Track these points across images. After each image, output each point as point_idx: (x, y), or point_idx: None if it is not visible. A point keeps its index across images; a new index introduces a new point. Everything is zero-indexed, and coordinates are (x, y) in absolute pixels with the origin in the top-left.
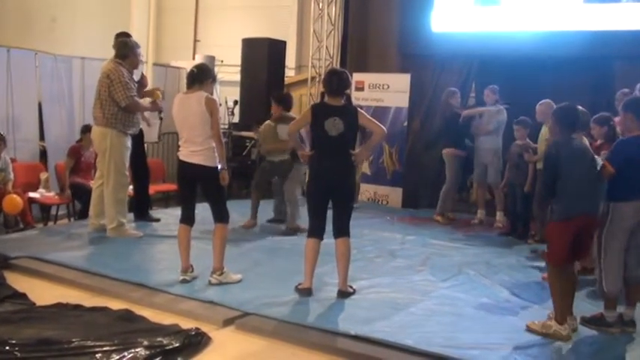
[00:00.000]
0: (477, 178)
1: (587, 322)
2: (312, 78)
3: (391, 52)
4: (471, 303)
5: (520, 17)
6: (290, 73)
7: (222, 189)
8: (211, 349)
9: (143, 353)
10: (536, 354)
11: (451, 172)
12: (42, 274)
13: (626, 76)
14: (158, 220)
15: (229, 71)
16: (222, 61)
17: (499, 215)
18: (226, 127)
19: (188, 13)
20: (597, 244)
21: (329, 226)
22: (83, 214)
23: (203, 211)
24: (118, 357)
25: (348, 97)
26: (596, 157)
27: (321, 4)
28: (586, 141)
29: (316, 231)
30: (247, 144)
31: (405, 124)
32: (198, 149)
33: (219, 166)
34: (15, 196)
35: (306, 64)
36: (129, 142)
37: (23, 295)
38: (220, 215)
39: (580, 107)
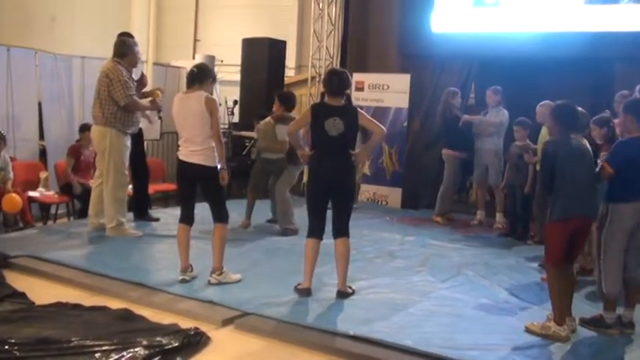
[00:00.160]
0: (478, 179)
1: (587, 323)
2: (312, 78)
3: (391, 52)
4: (470, 304)
5: (520, 18)
6: (290, 73)
7: (221, 189)
8: (210, 349)
9: (142, 353)
10: (535, 355)
11: (450, 172)
12: (41, 273)
13: (626, 78)
14: (157, 219)
15: (229, 71)
16: (222, 61)
17: (498, 216)
18: (226, 126)
19: (188, 12)
20: (597, 245)
21: (328, 227)
22: (83, 214)
23: (202, 210)
24: (117, 356)
25: (349, 98)
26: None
27: (321, 4)
28: (586, 142)
29: (316, 231)
30: (247, 144)
31: (405, 124)
32: (197, 149)
33: (219, 166)
34: (14, 195)
35: (306, 64)
36: (128, 142)
37: (22, 294)
38: (220, 215)
39: (580, 109)
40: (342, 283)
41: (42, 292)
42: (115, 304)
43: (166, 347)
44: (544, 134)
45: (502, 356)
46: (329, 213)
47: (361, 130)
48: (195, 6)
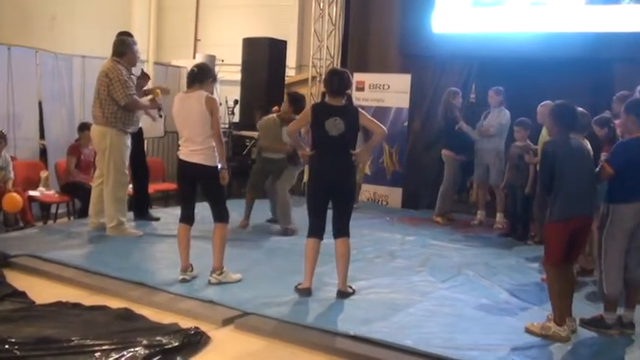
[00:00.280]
0: (478, 179)
1: (587, 323)
2: (313, 78)
3: (392, 52)
4: (471, 304)
5: (521, 18)
6: (290, 73)
7: (222, 188)
8: (210, 349)
9: (142, 352)
10: (535, 355)
11: (450, 172)
12: (41, 273)
13: (626, 78)
14: (158, 219)
15: (230, 70)
16: (222, 61)
17: (499, 216)
18: (226, 126)
19: (189, 12)
20: (597, 246)
21: (329, 226)
22: (83, 213)
23: (203, 210)
24: (117, 356)
25: (349, 98)
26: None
27: (321, 4)
28: (587, 142)
29: (316, 231)
30: (247, 143)
31: (406, 124)
32: (198, 148)
33: (219, 166)
34: (15, 194)
35: (307, 63)
36: (128, 141)
37: (23, 294)
38: (220, 215)
39: (580, 109)
40: (343, 283)
41: (42, 291)
42: (115, 304)
43: (166, 347)
44: (544, 135)
45: (502, 356)
46: (329, 213)
47: (363, 130)
48: (195, 5)
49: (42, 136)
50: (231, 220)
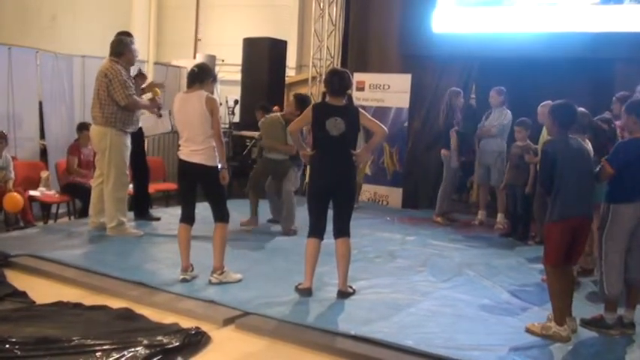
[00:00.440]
0: (480, 180)
1: (587, 323)
2: (313, 78)
3: (392, 52)
4: (471, 304)
5: (521, 18)
6: (291, 73)
7: (222, 188)
8: (211, 349)
9: (143, 352)
10: (535, 355)
11: (448, 173)
12: (42, 273)
13: (627, 78)
14: (158, 219)
15: (230, 70)
16: (223, 61)
17: (500, 216)
18: (227, 126)
19: (189, 11)
20: (598, 246)
21: (329, 226)
22: (83, 213)
23: (203, 210)
24: (117, 356)
25: (350, 98)
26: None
27: (322, 4)
28: (588, 142)
29: (316, 231)
30: (248, 143)
31: (406, 124)
32: (198, 148)
33: (220, 166)
34: (16, 194)
35: (307, 63)
36: (128, 141)
37: (23, 294)
38: (220, 215)
39: (581, 109)
40: (343, 282)
41: (43, 291)
42: (115, 304)
43: (167, 347)
44: (545, 134)
45: (503, 356)
46: (330, 213)
47: (364, 129)
48: (196, 5)
49: (42, 136)
50: (232, 220)
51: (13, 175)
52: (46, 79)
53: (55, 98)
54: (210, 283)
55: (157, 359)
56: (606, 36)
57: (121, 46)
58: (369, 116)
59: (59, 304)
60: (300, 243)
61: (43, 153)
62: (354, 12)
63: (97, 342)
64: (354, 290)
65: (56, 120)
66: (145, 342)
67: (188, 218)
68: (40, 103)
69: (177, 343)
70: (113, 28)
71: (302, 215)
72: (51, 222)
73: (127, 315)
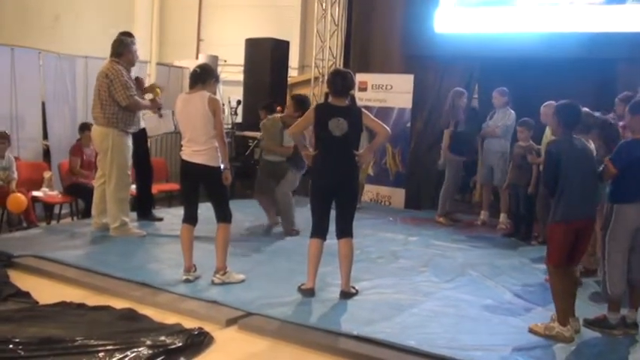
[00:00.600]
0: (483, 180)
1: (590, 324)
2: (316, 78)
3: (394, 52)
4: (474, 304)
5: (524, 18)
6: (293, 73)
7: (225, 189)
8: (214, 349)
9: (146, 352)
10: (539, 355)
11: (450, 173)
12: (45, 273)
13: (629, 78)
14: (161, 219)
15: (232, 71)
16: (225, 61)
17: (502, 217)
18: (229, 127)
19: (191, 12)
20: (601, 246)
21: (332, 227)
22: (86, 213)
23: (206, 210)
24: (120, 356)
25: (353, 98)
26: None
27: (324, 4)
28: (591, 143)
29: (319, 231)
30: (250, 144)
31: (409, 124)
32: (201, 149)
33: (222, 166)
34: (19, 195)
35: (310, 64)
36: (130, 141)
37: (26, 294)
38: (223, 215)
39: (585, 109)
40: (346, 283)
41: (46, 291)
42: (118, 304)
43: (170, 347)
44: (548, 135)
45: (506, 357)
46: (333, 213)
47: (368, 130)
48: (198, 6)
49: (45, 136)
50: (235, 221)
51: (16, 175)
52: (48, 79)
53: (58, 99)
54: (213, 283)
55: (160, 359)
56: (608, 36)
57: (122, 47)
58: (372, 116)
59: (62, 305)
60: (302, 243)
61: (46, 153)
62: (357, 12)
63: (100, 342)
64: (357, 291)
65: (59, 120)
66: (148, 342)
67: (191, 219)
68: (43, 104)
69: (180, 344)
70: (115, 28)
71: (304, 216)
72: (54, 222)
73: (130, 315)
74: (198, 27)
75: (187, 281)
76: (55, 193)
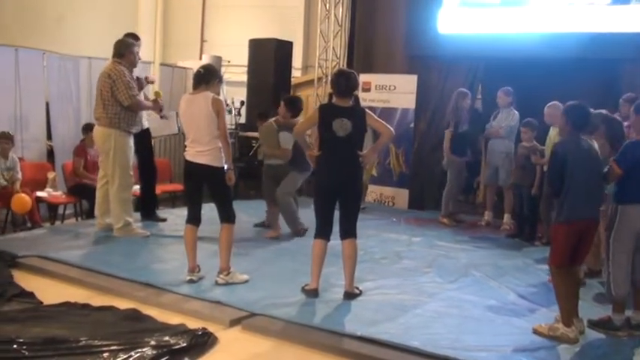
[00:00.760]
0: (487, 180)
1: (595, 325)
2: (319, 79)
3: (398, 53)
4: (478, 305)
5: (527, 19)
6: (297, 74)
7: (228, 189)
8: (218, 349)
9: (150, 353)
10: (543, 356)
11: (452, 174)
12: (49, 273)
13: (634, 79)
14: (165, 219)
15: (236, 72)
16: (229, 62)
17: (506, 217)
18: (233, 127)
19: (195, 13)
20: (605, 247)
21: (336, 227)
22: (90, 214)
23: (210, 211)
24: (125, 356)
25: (357, 98)
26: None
27: (327, 5)
28: (596, 144)
29: (323, 232)
30: (254, 144)
31: (412, 125)
32: (204, 149)
33: (226, 167)
34: (24, 195)
35: (313, 64)
36: (132, 142)
37: (31, 294)
38: (227, 215)
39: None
40: (350, 284)
41: (50, 291)
42: (122, 304)
43: (174, 347)
44: (552, 135)
45: (509, 357)
46: (336, 214)
47: (373, 131)
48: (202, 6)
49: (49, 137)
50: (239, 221)
51: (20, 175)
52: (52, 80)
53: (62, 99)
54: (217, 283)
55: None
56: (613, 36)
57: (123, 48)
58: (376, 117)
59: (66, 305)
60: (306, 244)
61: (50, 154)
62: (360, 12)
63: (105, 342)
64: (361, 291)
65: (63, 121)
66: (152, 342)
67: (194, 219)
68: (47, 104)
69: (184, 344)
70: (119, 29)
71: (308, 216)
72: (58, 223)
73: (134, 316)
74: (202, 28)
75: (191, 282)
76: (59, 193)
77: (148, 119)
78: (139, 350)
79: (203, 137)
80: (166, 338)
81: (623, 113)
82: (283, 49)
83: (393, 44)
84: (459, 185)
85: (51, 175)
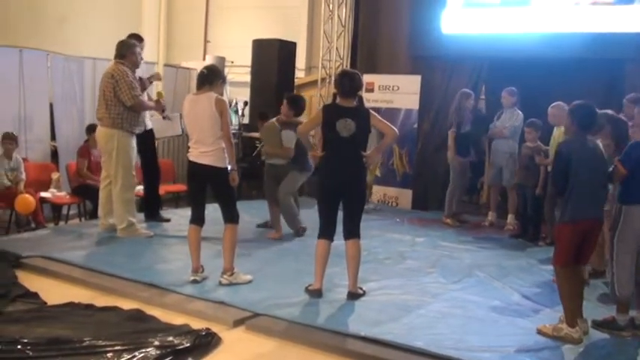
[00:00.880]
0: (491, 181)
1: (599, 325)
2: (323, 79)
3: (401, 53)
4: (482, 305)
5: (531, 19)
6: (300, 75)
7: (232, 189)
8: (221, 350)
9: (154, 353)
10: (547, 357)
11: (454, 174)
12: (53, 274)
13: (637, 79)
14: (168, 220)
15: (239, 72)
16: (232, 62)
17: (510, 217)
18: (236, 128)
19: (199, 14)
20: (609, 247)
21: (339, 228)
22: (94, 214)
23: (213, 211)
24: (128, 356)
25: (361, 99)
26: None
27: (331, 5)
28: (599, 143)
29: (327, 232)
30: (257, 145)
31: (415, 125)
32: (208, 150)
33: (229, 167)
34: (28, 195)
35: (317, 65)
36: (134, 142)
37: (35, 294)
38: (230, 216)
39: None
40: (353, 284)
41: (54, 292)
42: (126, 305)
43: (178, 348)
44: (556, 136)
45: (513, 358)
46: (340, 214)
47: (377, 131)
48: (205, 7)
49: (53, 137)
50: (243, 222)
51: (24, 176)
52: (56, 81)
53: (66, 100)
54: (221, 284)
55: None
56: (616, 36)
57: (124, 49)
58: (380, 117)
59: (70, 305)
60: (310, 244)
61: (54, 154)
62: (364, 13)
63: (108, 343)
64: (364, 291)
65: (67, 122)
66: (156, 343)
67: (198, 219)
68: (51, 105)
69: (188, 344)
70: (123, 30)
71: (312, 217)
72: (62, 223)
73: (138, 316)
74: (206, 28)
75: (195, 282)
76: (62, 194)
77: (151, 120)
78: (143, 350)
79: (207, 138)
80: (170, 338)
81: (628, 114)
82: (286, 49)
83: (397, 45)
84: (462, 186)
85: (55, 175)
